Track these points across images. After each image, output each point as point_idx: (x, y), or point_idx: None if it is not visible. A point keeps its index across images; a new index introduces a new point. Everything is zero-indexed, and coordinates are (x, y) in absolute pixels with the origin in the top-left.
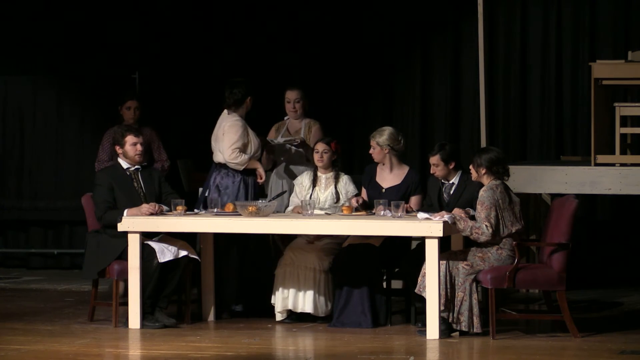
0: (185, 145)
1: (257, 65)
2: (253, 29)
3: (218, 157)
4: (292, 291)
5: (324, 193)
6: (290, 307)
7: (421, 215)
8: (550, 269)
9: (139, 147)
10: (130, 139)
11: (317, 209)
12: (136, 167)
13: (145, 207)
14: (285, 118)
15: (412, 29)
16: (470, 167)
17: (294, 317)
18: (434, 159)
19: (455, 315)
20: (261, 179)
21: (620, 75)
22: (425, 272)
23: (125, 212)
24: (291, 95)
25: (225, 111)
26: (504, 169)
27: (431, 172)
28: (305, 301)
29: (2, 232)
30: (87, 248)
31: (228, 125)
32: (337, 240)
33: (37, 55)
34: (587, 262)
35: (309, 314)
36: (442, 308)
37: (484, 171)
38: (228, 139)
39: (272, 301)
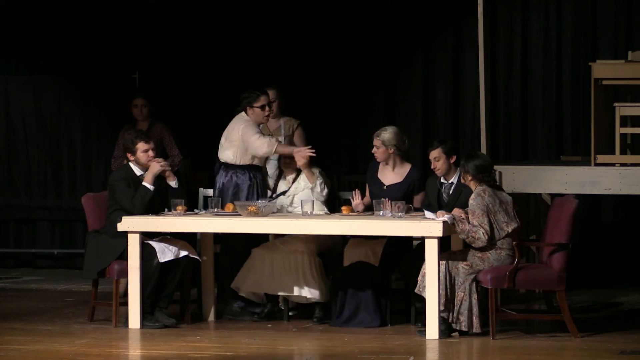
0: (185, 145)
1: (257, 65)
2: (253, 29)
3: (224, 156)
4: (283, 277)
5: (298, 186)
6: (281, 293)
7: (428, 214)
8: (550, 269)
9: (150, 153)
10: (141, 146)
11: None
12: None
13: (155, 162)
14: None
15: (413, 29)
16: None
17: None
18: (436, 152)
19: (455, 315)
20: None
21: (621, 75)
22: (425, 272)
23: (145, 184)
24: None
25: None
26: (489, 176)
27: (432, 167)
28: (300, 287)
29: (7, 232)
30: (87, 248)
31: (243, 126)
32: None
33: (38, 56)
34: (587, 262)
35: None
36: (442, 308)
37: (470, 178)
38: (246, 133)
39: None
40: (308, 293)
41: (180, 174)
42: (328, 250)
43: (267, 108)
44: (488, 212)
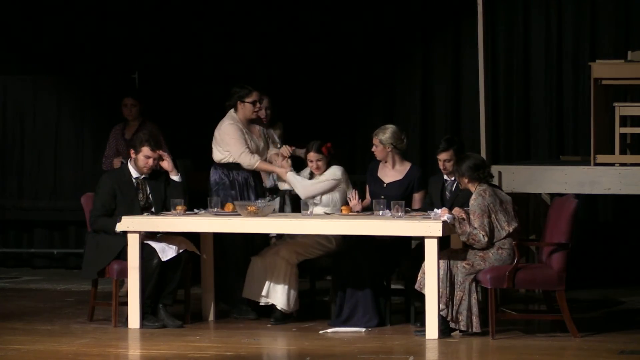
0: (184, 145)
1: (257, 65)
2: (252, 28)
3: (214, 156)
4: (266, 283)
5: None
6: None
7: (434, 214)
8: (549, 269)
9: (150, 161)
10: (145, 150)
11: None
12: (144, 176)
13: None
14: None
15: (412, 28)
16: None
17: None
18: (447, 155)
19: (453, 314)
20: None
21: (620, 75)
22: (425, 270)
23: (116, 228)
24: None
25: (231, 110)
26: (485, 172)
27: (441, 167)
28: (276, 294)
29: (3, 232)
30: (86, 248)
31: (223, 127)
32: (319, 240)
33: (37, 56)
34: (587, 262)
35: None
36: (442, 306)
37: (467, 180)
38: (233, 144)
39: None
40: (268, 294)
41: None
42: (316, 258)
43: (257, 104)
44: (489, 213)
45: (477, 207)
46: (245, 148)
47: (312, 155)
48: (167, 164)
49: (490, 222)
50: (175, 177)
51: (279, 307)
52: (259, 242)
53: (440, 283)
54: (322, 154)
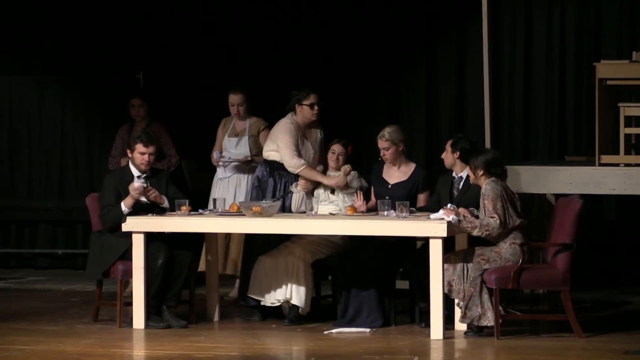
0: (189, 145)
1: (260, 65)
2: (256, 28)
3: (263, 150)
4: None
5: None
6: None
7: (434, 216)
8: (554, 269)
9: (146, 157)
10: (138, 147)
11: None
12: (145, 174)
13: (136, 185)
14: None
15: (417, 29)
16: (467, 169)
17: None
18: (447, 144)
19: (463, 310)
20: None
21: (625, 76)
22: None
23: (122, 205)
24: (234, 99)
25: (290, 113)
26: (501, 169)
27: (442, 156)
28: (287, 291)
29: (10, 232)
30: (91, 248)
31: (279, 124)
32: (329, 238)
33: (41, 56)
34: (592, 262)
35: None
36: (461, 303)
37: (481, 172)
38: (282, 142)
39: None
40: (290, 295)
41: (184, 177)
42: (326, 257)
43: (315, 107)
44: (502, 197)
45: (490, 191)
46: (294, 150)
47: (337, 147)
48: (154, 196)
49: (502, 207)
50: (162, 205)
51: (299, 309)
52: (264, 241)
53: (456, 280)
54: (346, 150)
